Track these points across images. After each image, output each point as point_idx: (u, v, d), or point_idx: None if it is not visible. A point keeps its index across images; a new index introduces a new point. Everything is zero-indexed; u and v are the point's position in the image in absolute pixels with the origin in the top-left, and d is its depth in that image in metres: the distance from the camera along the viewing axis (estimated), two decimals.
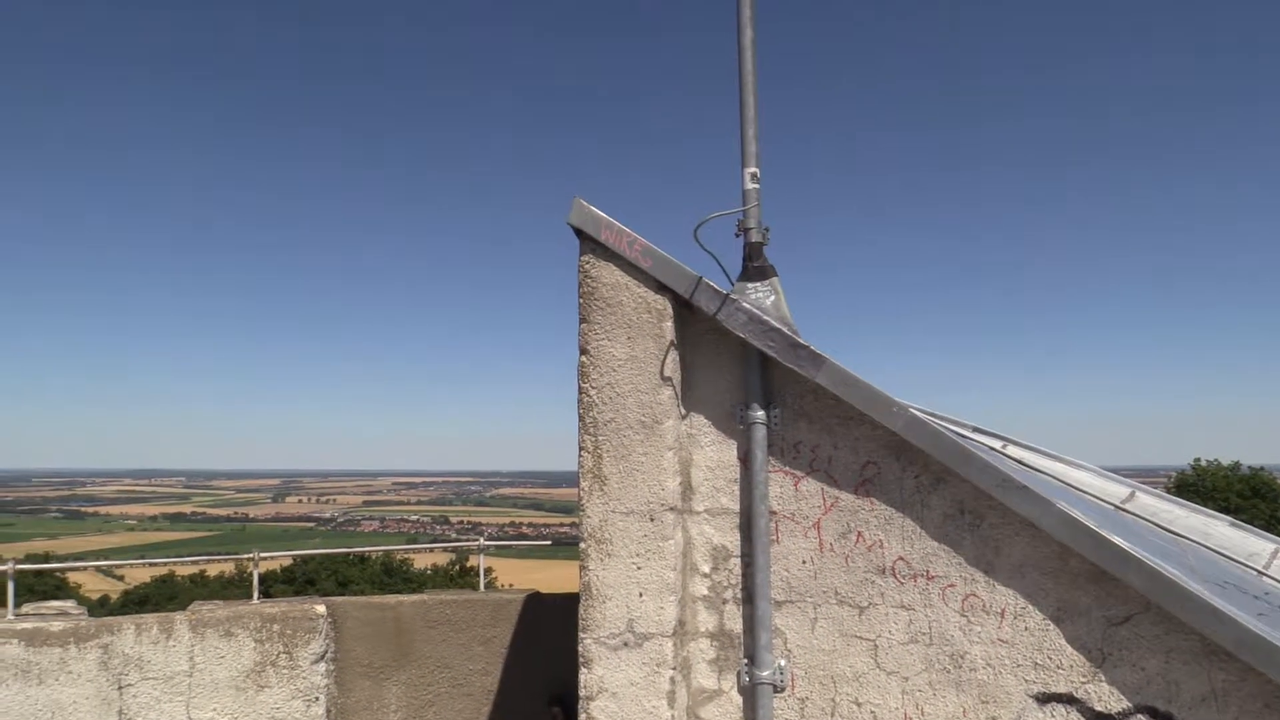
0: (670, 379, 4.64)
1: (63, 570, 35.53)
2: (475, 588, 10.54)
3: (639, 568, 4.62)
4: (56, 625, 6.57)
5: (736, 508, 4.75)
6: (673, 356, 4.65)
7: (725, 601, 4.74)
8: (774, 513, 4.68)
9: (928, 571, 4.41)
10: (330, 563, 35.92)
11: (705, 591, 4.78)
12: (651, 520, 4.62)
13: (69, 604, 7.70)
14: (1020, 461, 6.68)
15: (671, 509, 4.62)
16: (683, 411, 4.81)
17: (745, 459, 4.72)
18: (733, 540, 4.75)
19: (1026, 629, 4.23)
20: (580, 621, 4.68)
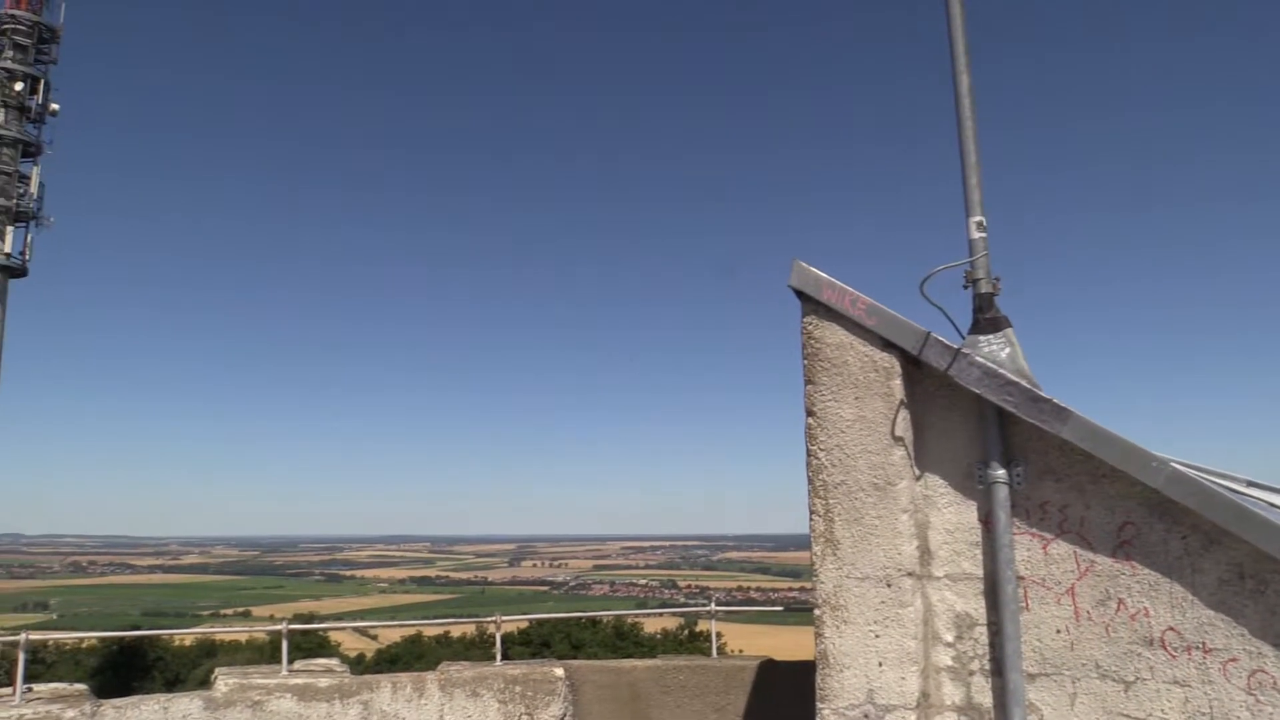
0: (902, 439, 4.50)
1: (325, 630, 38.57)
2: (705, 653, 10.49)
3: (877, 636, 4.46)
4: (324, 682, 7.09)
5: (980, 573, 4.50)
6: (903, 415, 4.51)
7: (972, 673, 4.48)
8: (1021, 578, 4.40)
9: (1204, 644, 4.00)
10: (564, 626, 37.00)
11: (949, 662, 4.54)
12: (888, 586, 4.46)
13: (333, 662, 8.29)
14: None
15: (909, 574, 4.45)
16: (916, 472, 4.64)
17: (987, 521, 4.48)
18: (977, 607, 4.50)
19: None
20: (817, 691, 4.55)
